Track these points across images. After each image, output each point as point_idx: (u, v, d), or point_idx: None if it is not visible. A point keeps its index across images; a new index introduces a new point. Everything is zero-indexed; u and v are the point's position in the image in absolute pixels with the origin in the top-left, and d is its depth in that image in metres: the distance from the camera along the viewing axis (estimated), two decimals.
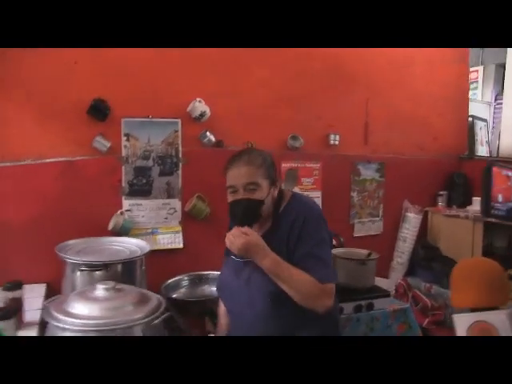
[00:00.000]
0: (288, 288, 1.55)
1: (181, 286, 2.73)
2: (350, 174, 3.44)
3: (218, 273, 2.77)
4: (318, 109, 3.31)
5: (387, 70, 3.58)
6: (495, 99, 5.01)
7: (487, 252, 3.31)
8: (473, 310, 0.80)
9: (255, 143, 3.00)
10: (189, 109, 2.84)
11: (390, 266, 3.66)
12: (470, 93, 4.67)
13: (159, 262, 2.78)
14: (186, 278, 2.76)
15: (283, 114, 3.19)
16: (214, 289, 2.76)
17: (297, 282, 1.55)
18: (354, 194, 3.46)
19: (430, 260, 3.50)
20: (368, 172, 3.51)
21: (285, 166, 3.15)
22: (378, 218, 3.60)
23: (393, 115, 3.64)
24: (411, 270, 3.65)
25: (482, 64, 11.11)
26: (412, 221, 3.60)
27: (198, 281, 2.78)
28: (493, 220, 0.77)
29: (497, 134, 4.29)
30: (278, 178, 1.80)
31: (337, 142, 3.29)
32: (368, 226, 3.52)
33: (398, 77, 3.64)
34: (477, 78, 11.16)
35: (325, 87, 3.33)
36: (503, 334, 0.72)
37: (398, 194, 3.67)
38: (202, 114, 2.84)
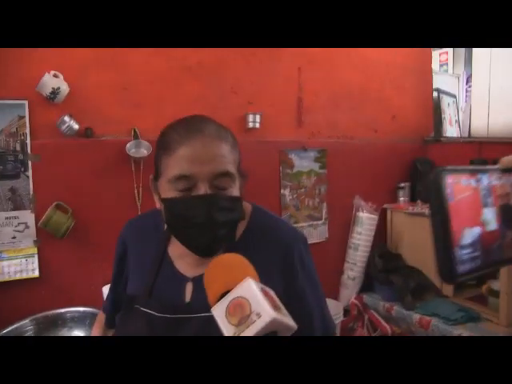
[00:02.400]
0: None
1: (25, 335, 1.91)
2: (278, 166, 2.64)
3: (80, 309, 2.02)
4: (233, 81, 2.52)
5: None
6: (466, 81, 4.34)
7: None
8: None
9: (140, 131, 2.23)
10: (38, 86, 2.02)
11: (340, 282, 2.88)
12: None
13: (1, 302, 2.01)
14: (29, 324, 1.92)
15: (186, 89, 2.40)
16: (77, 333, 1.98)
17: None
18: (286, 192, 2.67)
19: (390, 272, 2.73)
20: (304, 162, 2.72)
21: None
22: (320, 222, 2.82)
23: (337, 89, 2.88)
24: (367, 286, 2.88)
25: None
26: (365, 222, 2.82)
27: (52, 324, 1.96)
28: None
29: (468, 111, 3.54)
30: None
31: (257, 125, 2.50)
32: (308, 232, 2.72)
33: None
34: (446, 60, 10.62)
35: (242, 53, 2.53)
36: (254, 301, 0.67)
37: (346, 188, 2.89)
38: (55, 92, 2.03)
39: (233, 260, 0.80)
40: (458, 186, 0.44)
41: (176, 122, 1.00)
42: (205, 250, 0.97)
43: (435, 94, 3.41)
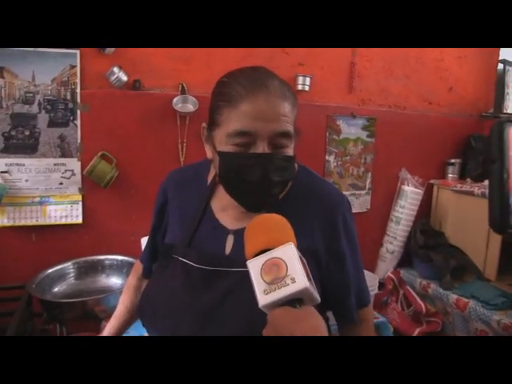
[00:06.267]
0: None
1: (67, 276, 2.00)
2: (325, 132, 2.59)
3: (118, 257, 2.09)
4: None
5: None
6: None
7: (509, 241, 2.46)
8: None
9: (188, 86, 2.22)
10: None
11: (379, 255, 2.84)
12: None
13: (47, 243, 2.13)
14: (71, 267, 2.02)
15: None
16: (115, 280, 2.06)
17: None
18: (331, 159, 2.62)
19: (430, 249, 2.66)
20: (352, 129, 2.65)
21: None
22: (363, 191, 2.76)
23: (392, 55, 2.75)
24: (405, 261, 2.82)
25: None
26: (410, 196, 2.74)
27: (91, 269, 2.05)
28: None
29: None
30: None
31: (307, 88, 2.44)
32: (350, 202, 2.67)
33: None
34: None
35: None
36: (292, 265, 0.70)
37: (392, 160, 2.81)
38: None
39: (278, 221, 0.80)
40: None
41: (238, 71, 0.95)
42: (255, 205, 0.97)
43: (500, 66, 3.20)
